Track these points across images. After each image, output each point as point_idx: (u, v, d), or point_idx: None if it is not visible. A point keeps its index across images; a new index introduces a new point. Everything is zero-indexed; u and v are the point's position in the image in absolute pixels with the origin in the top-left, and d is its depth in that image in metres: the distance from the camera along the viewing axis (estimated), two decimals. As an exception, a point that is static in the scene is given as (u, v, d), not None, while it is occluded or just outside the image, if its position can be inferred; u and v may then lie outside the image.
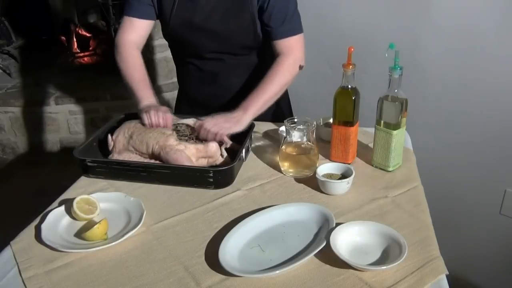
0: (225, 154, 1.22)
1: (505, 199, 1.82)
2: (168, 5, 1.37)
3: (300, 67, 1.39)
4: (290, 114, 1.62)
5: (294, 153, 1.16)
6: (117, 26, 2.47)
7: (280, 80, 1.35)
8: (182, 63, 1.54)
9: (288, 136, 1.16)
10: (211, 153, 1.19)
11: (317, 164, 1.15)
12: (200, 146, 1.19)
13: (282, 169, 1.18)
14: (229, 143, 1.24)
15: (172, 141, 1.18)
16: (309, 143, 1.16)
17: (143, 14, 1.40)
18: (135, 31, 1.42)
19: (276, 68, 1.35)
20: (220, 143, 1.21)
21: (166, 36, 1.46)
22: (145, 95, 1.33)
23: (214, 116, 1.24)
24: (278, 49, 1.39)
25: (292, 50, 1.38)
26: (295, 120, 1.17)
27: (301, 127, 1.15)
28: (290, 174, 1.17)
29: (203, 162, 1.20)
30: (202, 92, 1.52)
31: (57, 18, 3.71)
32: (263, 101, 1.31)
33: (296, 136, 1.16)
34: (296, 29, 1.39)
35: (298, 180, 1.15)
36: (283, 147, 1.16)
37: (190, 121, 1.31)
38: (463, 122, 1.83)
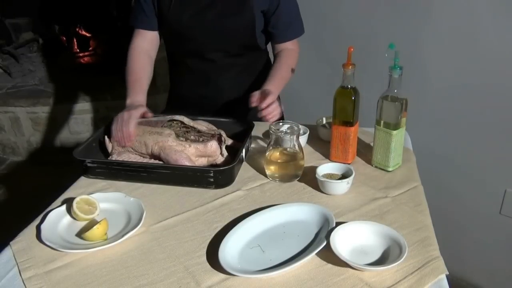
0: (225, 153, 1.22)
1: (505, 199, 1.82)
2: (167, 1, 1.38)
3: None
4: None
5: (279, 160, 1.14)
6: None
7: (291, 71, 1.43)
8: (175, 64, 1.55)
9: (272, 142, 1.14)
10: (211, 152, 1.19)
11: (318, 165, 1.14)
12: (200, 145, 1.18)
13: (267, 173, 1.16)
14: (229, 141, 1.24)
15: (171, 141, 1.18)
16: (295, 148, 1.14)
17: (151, 25, 1.44)
18: (145, 40, 1.46)
19: (289, 58, 1.44)
20: (220, 142, 1.21)
21: (163, 30, 1.47)
22: (132, 93, 1.34)
23: (271, 96, 1.23)
24: (282, 47, 1.46)
25: (296, 47, 1.48)
26: (280, 124, 1.16)
27: (285, 130, 1.13)
28: (276, 179, 1.15)
29: (203, 161, 1.20)
30: (193, 93, 1.52)
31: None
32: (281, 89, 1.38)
33: (281, 141, 1.13)
34: (299, 31, 1.47)
35: (298, 180, 1.15)
36: (267, 153, 1.14)
37: (181, 118, 1.28)
38: (463, 122, 1.83)
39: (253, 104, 1.22)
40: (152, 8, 1.40)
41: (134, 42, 1.45)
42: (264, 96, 1.22)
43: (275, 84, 1.33)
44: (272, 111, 1.21)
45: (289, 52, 1.45)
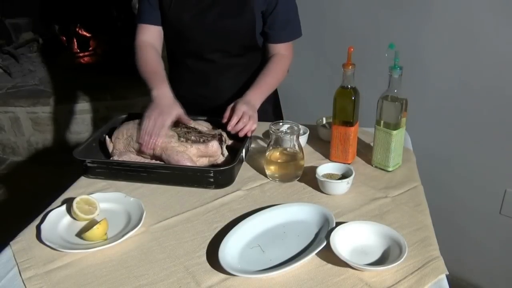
0: (226, 152, 1.22)
1: (505, 199, 1.82)
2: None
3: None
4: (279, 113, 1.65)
5: (279, 160, 1.14)
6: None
7: (280, 78, 1.42)
8: (175, 64, 1.54)
9: (272, 142, 1.14)
10: (212, 153, 1.19)
11: (318, 165, 1.14)
12: (201, 146, 1.19)
13: (267, 173, 1.16)
14: (229, 141, 1.24)
15: (173, 142, 1.18)
16: (295, 148, 1.13)
17: (155, 20, 1.42)
18: (151, 34, 1.44)
19: (278, 64, 1.41)
20: (221, 142, 1.21)
21: (164, 28, 1.45)
22: (156, 84, 1.29)
23: (240, 109, 1.22)
24: (275, 50, 1.43)
25: (289, 54, 1.45)
26: (280, 123, 1.16)
27: (285, 130, 1.13)
28: (276, 179, 1.15)
29: (204, 162, 1.21)
30: (193, 93, 1.52)
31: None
32: (266, 96, 1.36)
33: (281, 141, 1.13)
34: (296, 33, 1.45)
35: (298, 180, 1.15)
36: (267, 153, 1.14)
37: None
38: (463, 122, 1.83)
39: (224, 120, 1.22)
40: (157, 3, 1.40)
41: (139, 37, 1.43)
42: (234, 112, 1.22)
43: (258, 93, 1.32)
44: (242, 126, 1.20)
45: (280, 58, 1.42)
